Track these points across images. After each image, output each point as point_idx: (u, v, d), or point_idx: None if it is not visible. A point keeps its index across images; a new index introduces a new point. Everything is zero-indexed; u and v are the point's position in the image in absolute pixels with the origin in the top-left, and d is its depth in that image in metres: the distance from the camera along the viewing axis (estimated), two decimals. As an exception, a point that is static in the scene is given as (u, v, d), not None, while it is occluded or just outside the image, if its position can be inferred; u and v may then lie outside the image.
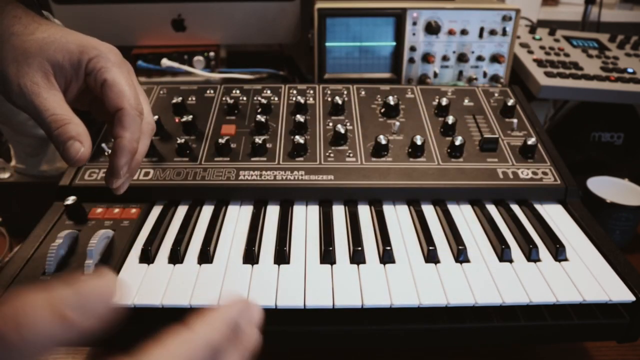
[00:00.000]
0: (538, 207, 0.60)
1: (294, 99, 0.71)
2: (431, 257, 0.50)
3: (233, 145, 0.63)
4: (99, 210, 0.55)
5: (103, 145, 0.61)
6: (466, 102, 0.72)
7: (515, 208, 0.60)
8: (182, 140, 0.61)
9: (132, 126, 0.43)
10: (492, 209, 0.59)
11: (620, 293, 0.47)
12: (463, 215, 0.58)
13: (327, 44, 0.85)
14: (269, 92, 0.73)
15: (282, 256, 0.50)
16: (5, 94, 0.42)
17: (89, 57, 0.43)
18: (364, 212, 0.58)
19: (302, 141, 0.61)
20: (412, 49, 0.87)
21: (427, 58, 0.87)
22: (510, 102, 0.69)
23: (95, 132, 0.64)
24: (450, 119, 0.65)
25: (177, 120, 0.66)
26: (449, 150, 0.63)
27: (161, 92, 0.72)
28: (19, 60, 0.41)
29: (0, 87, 0.42)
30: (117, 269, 0.48)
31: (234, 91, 0.72)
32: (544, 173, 0.61)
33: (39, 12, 0.47)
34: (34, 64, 0.41)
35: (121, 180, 0.45)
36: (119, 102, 0.43)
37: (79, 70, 0.43)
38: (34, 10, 0.46)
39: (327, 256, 0.49)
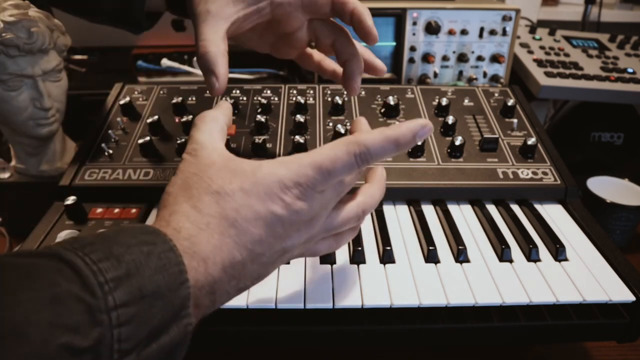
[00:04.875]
0: (538, 207, 0.60)
1: (294, 99, 0.71)
2: (431, 257, 0.50)
3: (233, 145, 0.63)
4: (99, 210, 0.55)
5: (103, 145, 0.61)
6: (466, 102, 0.72)
7: (515, 208, 0.60)
8: (183, 140, 0.61)
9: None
10: (492, 209, 0.59)
11: (620, 293, 0.47)
12: (463, 215, 0.58)
13: (327, 44, 0.85)
14: (269, 92, 0.73)
15: (282, 256, 0.49)
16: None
17: None
18: (364, 212, 0.58)
19: (302, 141, 0.61)
20: (412, 49, 0.87)
21: (427, 58, 0.87)
22: (510, 102, 0.69)
23: (95, 132, 0.64)
24: (450, 119, 0.65)
25: (177, 120, 0.66)
26: (449, 150, 0.63)
27: (161, 92, 0.72)
28: None
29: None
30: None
31: (234, 91, 0.72)
32: (544, 173, 0.61)
33: None
34: None
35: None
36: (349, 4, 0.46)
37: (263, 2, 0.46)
38: None
39: (328, 256, 0.49)
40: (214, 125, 0.39)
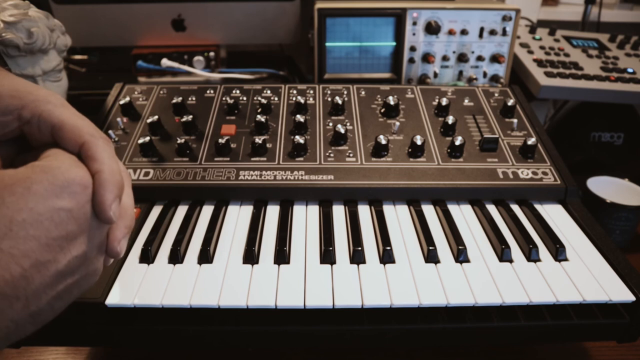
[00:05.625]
0: (538, 207, 0.60)
1: (294, 99, 0.71)
2: (431, 257, 0.50)
3: (233, 145, 0.63)
4: (99, 210, 0.55)
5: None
6: (466, 102, 0.72)
7: (515, 208, 0.60)
8: (182, 140, 0.61)
9: (104, 155, 0.35)
10: (492, 209, 0.59)
11: (620, 293, 0.47)
12: (463, 215, 0.58)
13: (327, 44, 0.85)
14: (269, 92, 0.73)
15: (282, 256, 0.50)
16: None
17: (22, 103, 0.37)
18: (364, 212, 0.58)
19: (302, 141, 0.61)
20: (412, 49, 0.87)
21: (427, 58, 0.87)
22: (510, 102, 0.69)
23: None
24: (450, 119, 0.65)
25: (177, 120, 0.66)
26: (449, 150, 0.63)
27: (161, 92, 0.72)
28: None
29: None
30: (117, 269, 0.48)
31: (234, 91, 0.72)
32: (544, 173, 0.61)
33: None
34: None
35: (119, 228, 0.36)
36: (78, 137, 0.35)
37: (6, 117, 0.36)
38: None
39: (327, 256, 0.50)
40: None
